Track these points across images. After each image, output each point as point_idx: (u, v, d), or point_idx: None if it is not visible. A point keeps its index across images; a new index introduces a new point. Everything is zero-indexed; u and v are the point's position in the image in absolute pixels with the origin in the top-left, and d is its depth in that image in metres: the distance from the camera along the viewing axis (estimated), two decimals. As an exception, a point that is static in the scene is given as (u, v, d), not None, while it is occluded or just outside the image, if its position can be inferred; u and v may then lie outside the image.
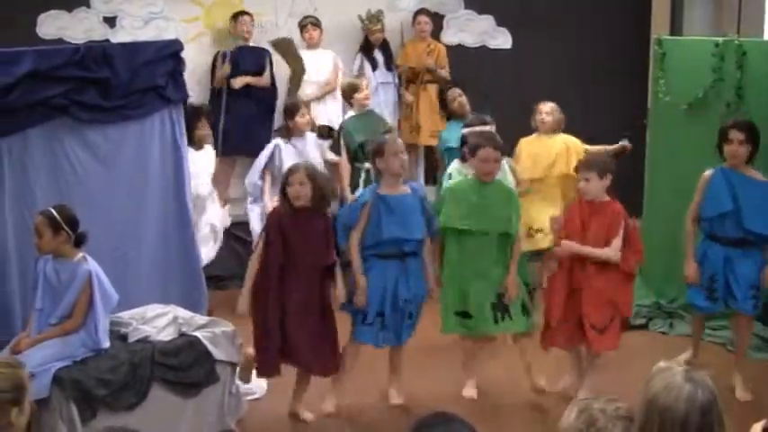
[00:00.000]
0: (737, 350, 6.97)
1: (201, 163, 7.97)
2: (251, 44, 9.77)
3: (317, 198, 6.19)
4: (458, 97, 8.87)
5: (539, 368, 6.67)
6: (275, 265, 6.17)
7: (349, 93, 8.83)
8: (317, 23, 9.94)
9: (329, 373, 6.44)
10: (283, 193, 6.24)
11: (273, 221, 6.27)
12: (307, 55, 9.86)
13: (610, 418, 3.16)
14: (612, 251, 6.27)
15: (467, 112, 8.76)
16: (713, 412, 3.10)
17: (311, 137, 8.77)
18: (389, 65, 10.19)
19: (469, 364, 6.80)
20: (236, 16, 9.75)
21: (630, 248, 6.33)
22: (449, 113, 9.01)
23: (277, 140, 8.57)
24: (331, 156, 8.83)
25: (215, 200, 8.26)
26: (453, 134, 8.52)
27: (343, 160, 8.69)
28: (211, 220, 8.17)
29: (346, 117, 8.95)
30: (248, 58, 9.68)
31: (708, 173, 6.72)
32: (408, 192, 6.44)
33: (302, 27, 9.94)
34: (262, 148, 8.65)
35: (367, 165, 8.50)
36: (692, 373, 3.15)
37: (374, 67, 10.08)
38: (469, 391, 6.71)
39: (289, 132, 8.54)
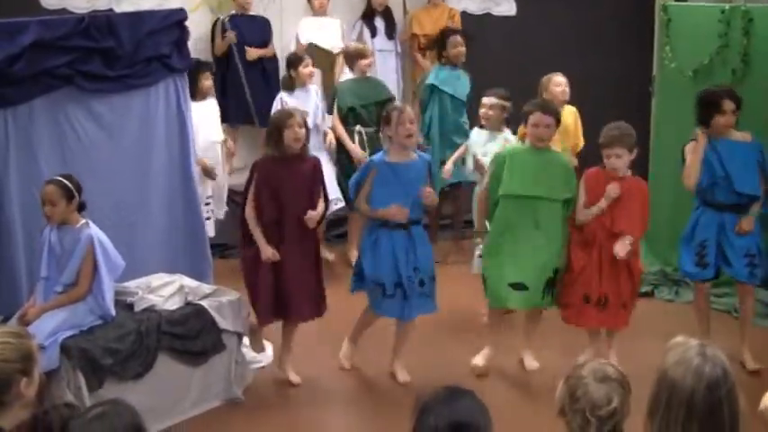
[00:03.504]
0: (742, 319, 6.92)
1: (205, 113, 8.09)
2: (252, 13, 9.68)
3: (307, 141, 6.34)
4: (459, 46, 8.90)
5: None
6: (268, 219, 6.21)
7: (354, 56, 8.77)
8: None
9: (317, 316, 6.49)
10: (274, 140, 6.22)
11: (264, 173, 6.24)
12: (315, 22, 9.82)
13: (593, 381, 3.16)
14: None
15: (460, 62, 8.93)
16: (722, 388, 3.04)
17: (314, 89, 8.73)
18: (391, 33, 10.13)
19: (493, 336, 6.76)
20: None
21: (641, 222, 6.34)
22: (444, 57, 9.00)
23: (281, 93, 8.56)
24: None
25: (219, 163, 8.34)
26: (442, 75, 8.84)
27: (336, 120, 8.70)
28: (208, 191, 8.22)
29: (343, 79, 8.95)
30: (252, 28, 9.60)
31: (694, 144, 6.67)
32: (416, 158, 6.43)
33: None
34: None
35: (358, 127, 8.52)
36: (705, 348, 3.11)
37: (373, 34, 9.98)
38: (479, 360, 6.69)
39: (291, 83, 8.52)
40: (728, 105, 6.51)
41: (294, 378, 6.55)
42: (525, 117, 6.51)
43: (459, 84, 8.92)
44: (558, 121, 6.58)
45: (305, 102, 8.38)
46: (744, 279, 6.68)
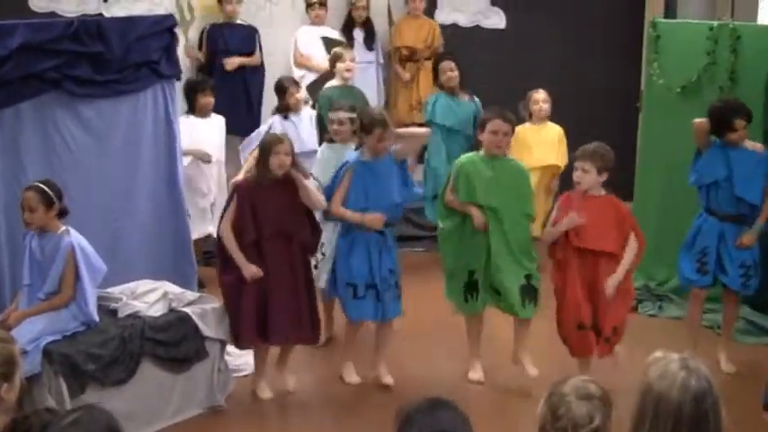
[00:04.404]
0: (724, 327, 7.05)
1: (205, 129, 8.19)
2: (239, 22, 9.64)
3: (294, 167, 6.26)
4: (448, 72, 8.70)
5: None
6: (249, 239, 6.17)
7: (332, 61, 8.66)
8: (324, 2, 9.91)
9: (310, 343, 6.52)
10: (261, 164, 6.22)
11: (244, 194, 6.22)
12: (313, 31, 9.83)
13: (575, 399, 3.13)
14: (631, 254, 6.17)
15: (454, 87, 8.71)
16: (707, 400, 3.06)
17: (306, 113, 8.69)
18: (370, 44, 10.14)
19: (475, 347, 6.74)
20: None
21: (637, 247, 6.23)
22: (438, 85, 8.87)
23: (274, 118, 8.49)
24: None
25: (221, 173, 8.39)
26: (439, 105, 8.63)
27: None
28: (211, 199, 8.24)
29: (326, 86, 8.81)
30: (237, 37, 9.59)
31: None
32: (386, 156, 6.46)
33: (309, 5, 9.91)
34: (249, 128, 8.66)
35: None
36: (688, 361, 3.12)
37: (351, 45, 9.94)
38: (476, 375, 6.68)
39: (284, 109, 8.48)
40: (740, 124, 6.56)
41: (290, 385, 6.51)
42: (482, 124, 6.50)
43: (458, 112, 8.71)
44: (514, 130, 6.57)
45: (296, 127, 8.34)
46: (737, 288, 6.79)
